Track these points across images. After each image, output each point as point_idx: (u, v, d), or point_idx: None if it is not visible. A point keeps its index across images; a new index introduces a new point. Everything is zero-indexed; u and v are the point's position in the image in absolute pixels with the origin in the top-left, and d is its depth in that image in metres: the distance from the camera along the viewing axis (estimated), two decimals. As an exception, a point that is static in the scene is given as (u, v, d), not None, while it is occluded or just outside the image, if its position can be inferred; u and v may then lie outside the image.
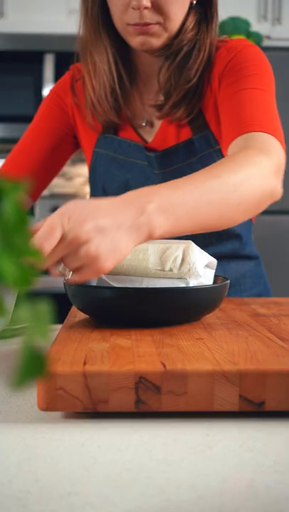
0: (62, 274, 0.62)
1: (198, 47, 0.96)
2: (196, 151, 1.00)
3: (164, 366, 0.51)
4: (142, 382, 0.50)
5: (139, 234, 0.63)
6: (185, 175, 0.81)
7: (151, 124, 1.05)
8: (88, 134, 1.08)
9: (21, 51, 2.50)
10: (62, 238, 0.58)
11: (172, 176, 0.88)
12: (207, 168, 0.74)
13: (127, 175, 1.04)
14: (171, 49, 0.96)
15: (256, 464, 0.42)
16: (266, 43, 2.61)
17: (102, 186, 1.07)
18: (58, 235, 0.58)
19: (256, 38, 2.47)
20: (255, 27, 2.59)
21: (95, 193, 1.10)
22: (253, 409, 0.50)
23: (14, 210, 0.27)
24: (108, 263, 0.60)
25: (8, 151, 1.18)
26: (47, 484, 0.39)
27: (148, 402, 0.50)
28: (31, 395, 0.57)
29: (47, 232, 0.57)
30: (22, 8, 2.58)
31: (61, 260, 0.61)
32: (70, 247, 0.59)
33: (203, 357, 0.54)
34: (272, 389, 0.50)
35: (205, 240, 1.04)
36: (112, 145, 1.05)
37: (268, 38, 2.63)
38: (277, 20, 2.65)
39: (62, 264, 0.60)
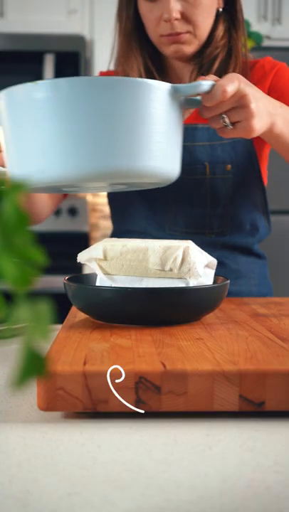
0: (222, 126, 0.75)
1: (234, 53, 1.05)
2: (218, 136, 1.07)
3: (164, 366, 0.51)
4: (142, 382, 0.50)
5: (269, 121, 0.78)
6: (208, 153, 1.03)
7: None
8: None
9: (21, 51, 2.50)
10: (236, 93, 0.70)
11: (197, 150, 1.06)
12: None
13: None
14: (204, 58, 1.04)
15: (256, 464, 0.42)
16: (266, 43, 2.61)
17: None
18: (236, 86, 0.70)
19: (256, 38, 2.47)
20: (255, 27, 2.59)
21: None
22: (253, 409, 0.50)
23: (14, 210, 0.27)
24: (258, 125, 0.74)
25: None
26: (47, 484, 0.39)
27: (148, 402, 0.50)
28: (31, 395, 0.57)
29: (230, 80, 0.69)
30: (22, 8, 2.57)
31: (226, 113, 0.73)
32: (239, 102, 0.71)
33: (203, 357, 0.54)
34: (272, 389, 0.50)
35: (221, 227, 1.08)
36: None
37: (268, 38, 2.63)
38: (277, 20, 2.65)
39: (226, 117, 0.73)
